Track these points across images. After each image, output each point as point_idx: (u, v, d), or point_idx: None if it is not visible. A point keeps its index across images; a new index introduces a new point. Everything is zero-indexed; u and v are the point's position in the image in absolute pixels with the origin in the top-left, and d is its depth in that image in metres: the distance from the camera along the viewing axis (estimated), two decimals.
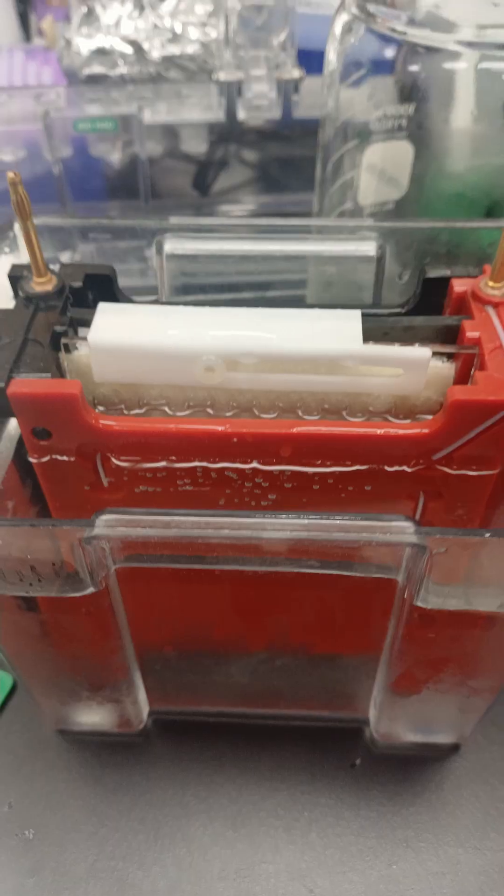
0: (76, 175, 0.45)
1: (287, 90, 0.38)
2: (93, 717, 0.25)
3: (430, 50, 0.25)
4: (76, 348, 0.21)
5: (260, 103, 0.37)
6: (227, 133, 0.42)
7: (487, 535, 0.16)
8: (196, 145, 0.43)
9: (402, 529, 0.16)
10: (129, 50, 0.41)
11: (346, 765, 0.26)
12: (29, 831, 0.24)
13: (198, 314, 0.21)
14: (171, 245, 0.24)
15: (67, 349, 0.21)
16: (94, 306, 0.22)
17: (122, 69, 0.41)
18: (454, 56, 0.25)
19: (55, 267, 0.23)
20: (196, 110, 0.39)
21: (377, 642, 0.21)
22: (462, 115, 0.30)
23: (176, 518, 0.16)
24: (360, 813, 0.25)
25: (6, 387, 0.19)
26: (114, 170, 0.45)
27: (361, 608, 0.21)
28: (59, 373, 0.21)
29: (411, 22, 0.26)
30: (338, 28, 0.29)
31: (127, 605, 0.20)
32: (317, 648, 0.24)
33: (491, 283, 0.21)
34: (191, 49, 0.41)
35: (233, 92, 0.38)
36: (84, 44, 0.40)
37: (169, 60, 0.41)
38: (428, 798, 0.25)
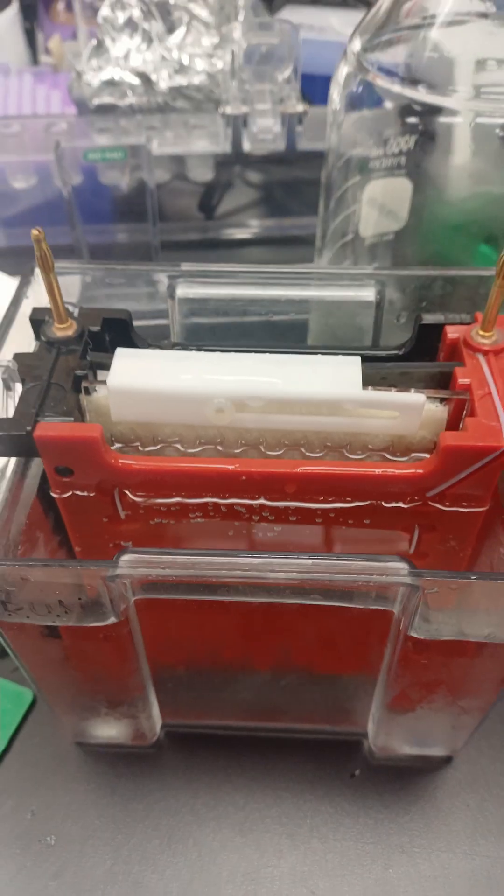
0: (85, 199, 0.46)
1: (291, 123, 0.40)
2: (109, 730, 0.26)
3: (425, 105, 0.27)
4: (95, 390, 0.23)
5: (265, 137, 0.39)
6: (232, 162, 0.43)
7: (473, 577, 0.17)
8: (202, 173, 0.44)
9: (396, 570, 0.18)
10: (137, 81, 0.42)
11: (346, 775, 0.27)
12: (51, 837, 0.26)
13: (208, 359, 0.23)
14: (183, 290, 0.26)
15: (87, 391, 0.23)
16: (111, 348, 0.23)
17: (131, 99, 0.43)
18: (450, 112, 0.27)
19: (72, 307, 0.25)
20: (202, 141, 0.41)
21: (375, 664, 0.23)
22: (458, 156, 0.31)
23: (191, 559, 0.18)
24: (359, 820, 0.26)
25: (32, 430, 0.21)
26: (122, 194, 0.47)
27: (360, 634, 0.23)
28: (80, 414, 0.23)
29: (408, 76, 0.27)
30: (341, 75, 0.31)
31: (144, 630, 0.22)
32: (319, 669, 0.26)
33: (481, 332, 0.22)
34: (197, 80, 0.43)
35: (238, 124, 0.39)
36: (94, 75, 0.42)
37: (176, 91, 0.43)
38: (422, 807, 0.27)
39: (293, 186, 0.50)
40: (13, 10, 0.65)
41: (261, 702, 0.27)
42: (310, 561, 0.18)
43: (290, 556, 0.18)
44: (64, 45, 0.65)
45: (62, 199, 0.45)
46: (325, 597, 0.19)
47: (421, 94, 0.27)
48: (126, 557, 0.18)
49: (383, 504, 0.22)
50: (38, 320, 0.24)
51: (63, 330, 0.23)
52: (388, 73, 0.28)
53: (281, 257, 0.50)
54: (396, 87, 0.27)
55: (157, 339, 0.26)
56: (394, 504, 0.22)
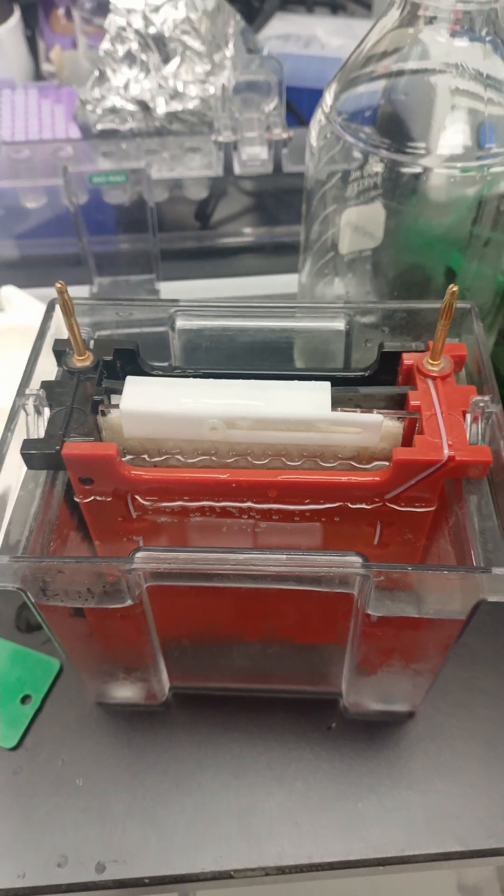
0: (91, 215, 0.50)
1: (277, 147, 0.43)
2: (125, 692, 0.32)
3: (394, 162, 0.31)
4: (109, 412, 0.27)
5: (253, 163, 0.43)
6: (224, 184, 0.47)
7: (409, 568, 0.22)
8: (197, 192, 0.48)
9: (352, 563, 0.22)
10: (136, 108, 0.46)
11: (324, 728, 0.32)
12: (79, 780, 0.31)
13: (204, 386, 0.27)
14: (181, 322, 0.30)
15: (103, 413, 0.27)
16: (122, 374, 0.28)
17: (131, 124, 0.46)
18: (409, 165, 0.31)
19: (86, 332, 0.29)
20: (197, 164, 0.45)
21: (343, 636, 0.28)
22: (427, 195, 0.35)
23: (191, 555, 0.23)
24: (335, 765, 0.31)
25: (60, 449, 0.25)
26: (124, 207, 0.51)
27: (330, 612, 0.27)
28: (98, 432, 0.27)
29: (371, 132, 0.31)
30: (317, 117, 0.35)
31: (154, 610, 0.27)
32: (298, 640, 0.31)
33: (430, 361, 0.27)
34: (191, 105, 0.46)
35: (230, 150, 0.43)
36: (97, 104, 0.45)
37: (172, 115, 0.46)
38: (387, 754, 0.32)
39: (282, 197, 0.54)
40: (15, 19, 0.68)
41: (252, 667, 0.32)
42: (284, 556, 0.22)
43: (270, 553, 0.23)
44: (64, 55, 0.68)
45: (70, 214, 0.48)
46: (298, 583, 0.24)
47: (383, 153, 0.31)
48: (140, 555, 0.23)
49: (350, 505, 0.27)
50: (60, 351, 0.28)
51: (82, 361, 0.27)
52: (355, 125, 0.32)
53: (272, 264, 0.54)
54: (360, 144, 0.31)
55: (158, 346, 0.30)
56: (359, 505, 0.27)
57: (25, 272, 0.52)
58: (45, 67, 0.70)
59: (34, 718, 0.32)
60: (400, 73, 0.32)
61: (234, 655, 0.31)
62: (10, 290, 0.44)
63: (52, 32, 0.71)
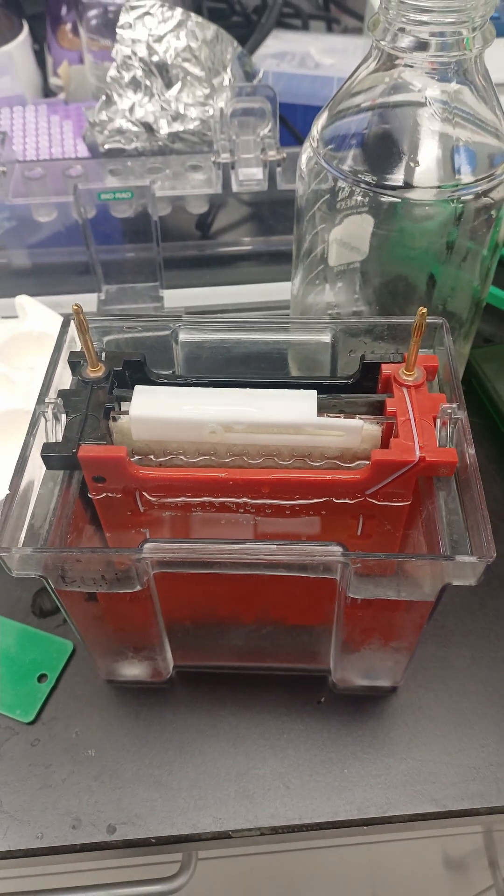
0: (98, 227, 0.53)
1: (272, 167, 0.46)
2: (133, 670, 0.35)
3: (377, 191, 0.34)
4: (119, 418, 0.30)
5: (249, 182, 0.46)
6: (223, 199, 0.50)
7: (382, 556, 0.25)
8: (198, 206, 0.51)
9: (334, 552, 0.25)
10: (141, 129, 0.49)
11: (314, 702, 0.36)
12: (91, 751, 0.34)
13: (204, 394, 0.30)
14: (184, 335, 0.33)
15: (114, 419, 0.30)
16: (131, 383, 0.31)
17: (136, 144, 0.49)
18: (392, 195, 0.34)
19: (98, 344, 0.32)
20: (198, 180, 0.48)
21: (329, 617, 0.31)
22: (407, 219, 0.38)
23: (193, 546, 0.26)
24: (323, 735, 0.35)
25: (77, 452, 0.28)
26: (129, 221, 0.54)
27: (316, 596, 0.31)
28: (109, 435, 0.30)
29: (353, 164, 0.34)
30: (307, 147, 0.38)
31: (160, 595, 0.30)
32: (289, 621, 0.34)
33: (405, 372, 0.30)
34: (192, 125, 0.49)
35: (227, 170, 0.46)
36: (104, 125, 0.48)
37: (174, 135, 0.50)
38: (371, 725, 0.35)
39: (277, 208, 0.57)
40: (24, 35, 0.71)
41: (248, 646, 0.35)
42: (275, 546, 0.26)
43: (262, 543, 0.26)
44: (71, 70, 0.71)
45: (78, 227, 0.51)
46: (288, 570, 0.27)
47: (364, 188, 0.34)
48: (148, 546, 0.26)
49: (335, 500, 0.30)
50: (75, 362, 0.32)
51: (95, 372, 0.31)
52: (340, 154, 0.35)
53: (268, 272, 0.57)
54: (341, 177, 0.35)
55: (162, 350, 0.33)
56: (343, 500, 0.30)
57: (37, 280, 0.55)
58: (53, 81, 0.73)
59: (50, 695, 0.36)
60: (382, 106, 0.35)
61: (232, 636, 0.35)
62: (24, 299, 0.47)
63: (60, 48, 0.74)
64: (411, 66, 0.32)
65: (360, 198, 0.35)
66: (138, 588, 0.28)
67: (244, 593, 0.32)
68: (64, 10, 0.74)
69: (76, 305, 0.29)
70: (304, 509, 0.31)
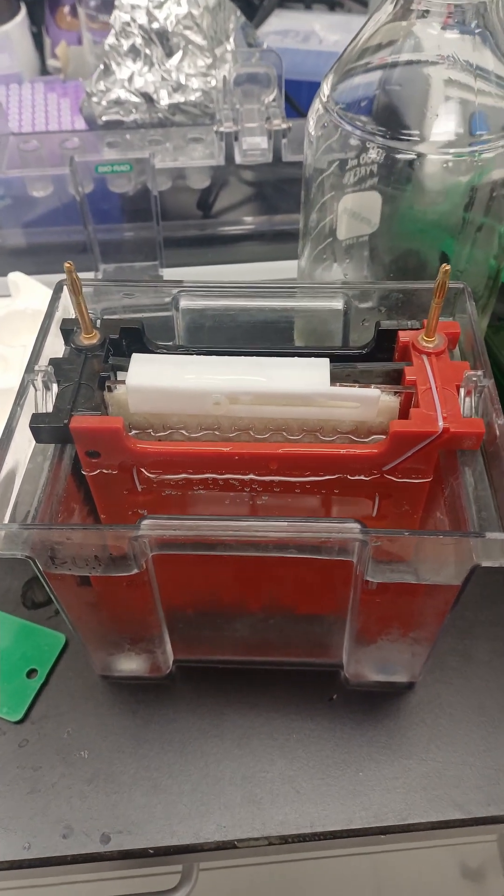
0: (96, 204, 0.51)
1: (277, 137, 0.44)
2: (131, 664, 0.32)
3: (390, 148, 0.32)
4: (116, 388, 0.28)
5: (254, 152, 0.43)
6: (225, 173, 0.48)
7: (406, 533, 0.23)
8: (200, 181, 0.49)
9: (350, 529, 0.23)
10: (140, 99, 0.47)
11: (326, 699, 0.33)
12: (84, 752, 0.32)
13: (207, 363, 0.28)
14: (185, 302, 0.31)
15: (110, 389, 0.28)
16: (128, 353, 0.28)
17: (136, 116, 0.47)
18: (405, 151, 0.32)
19: (94, 315, 0.30)
20: (199, 154, 0.46)
21: (343, 605, 0.29)
22: (422, 180, 0.36)
23: (195, 522, 0.24)
24: (336, 734, 0.32)
25: (69, 423, 0.26)
26: (128, 196, 0.51)
27: (329, 581, 0.28)
28: (104, 407, 0.28)
29: (367, 120, 0.32)
30: (315, 106, 0.35)
31: (159, 579, 0.28)
32: (300, 610, 0.31)
33: (425, 338, 0.27)
34: (193, 97, 0.47)
35: (231, 140, 0.44)
36: (102, 96, 0.46)
37: (175, 107, 0.47)
38: (388, 724, 0.32)
39: (281, 186, 0.55)
40: (21, 16, 0.69)
41: (254, 638, 0.33)
42: (285, 523, 0.23)
43: (271, 520, 0.23)
44: (70, 50, 0.69)
45: (76, 203, 0.49)
46: (299, 551, 0.25)
47: (379, 141, 0.32)
48: (146, 522, 0.23)
49: (349, 477, 0.28)
50: (68, 330, 0.29)
51: (89, 339, 0.28)
52: (354, 109, 0.33)
53: (272, 251, 0.54)
54: (357, 132, 0.32)
55: (163, 328, 0.31)
56: (358, 477, 0.28)
57: (32, 259, 0.53)
58: (51, 63, 0.71)
59: (40, 692, 0.33)
60: (394, 64, 0.32)
61: (238, 626, 0.32)
62: (17, 276, 0.44)
63: (58, 29, 0.72)
64: (427, 12, 0.30)
65: (373, 156, 0.32)
66: (135, 571, 0.25)
67: (251, 578, 0.29)
68: None
69: (68, 263, 0.27)
70: (314, 488, 0.28)
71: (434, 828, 0.30)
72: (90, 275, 0.52)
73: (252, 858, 0.46)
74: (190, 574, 0.29)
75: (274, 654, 0.34)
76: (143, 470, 0.28)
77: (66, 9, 0.73)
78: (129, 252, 0.53)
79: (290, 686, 0.33)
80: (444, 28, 0.30)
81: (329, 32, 0.60)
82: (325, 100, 0.34)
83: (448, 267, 0.26)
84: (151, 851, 0.29)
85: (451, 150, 0.32)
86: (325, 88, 0.34)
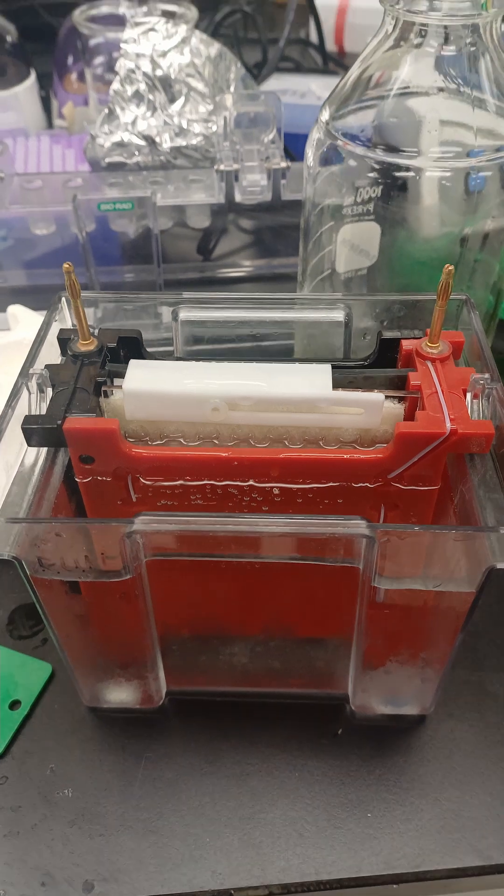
0: (98, 244, 0.51)
1: (276, 176, 0.45)
2: (121, 694, 0.30)
3: (385, 164, 0.32)
4: (112, 394, 0.27)
5: (253, 189, 0.44)
6: (226, 211, 0.49)
7: (416, 528, 0.22)
8: (200, 221, 0.50)
9: (357, 525, 0.22)
10: (143, 143, 0.48)
11: (331, 734, 0.31)
12: (68, 790, 0.29)
13: (207, 368, 0.27)
14: (185, 314, 0.31)
15: (106, 395, 0.27)
16: (126, 361, 0.28)
17: (138, 158, 0.49)
18: (413, 170, 0.32)
19: (92, 328, 0.30)
20: (200, 193, 0.47)
21: (349, 625, 0.27)
22: (420, 205, 0.36)
23: (192, 517, 0.22)
24: (342, 772, 0.30)
25: (62, 424, 0.25)
26: (129, 239, 0.52)
27: (334, 596, 0.27)
28: (100, 413, 0.27)
29: (368, 141, 0.33)
30: (314, 138, 0.36)
31: (153, 593, 0.26)
32: (302, 631, 0.29)
33: (429, 344, 0.27)
34: (195, 141, 0.49)
35: (231, 179, 0.45)
36: (106, 138, 0.48)
37: (177, 150, 0.49)
38: (398, 761, 0.30)
39: (279, 231, 0.56)
40: (31, 80, 0.72)
41: (254, 666, 0.30)
42: (287, 519, 0.22)
43: (272, 517, 0.22)
44: (76, 110, 0.72)
45: (78, 243, 0.50)
46: (302, 555, 0.24)
47: (380, 156, 0.32)
48: (141, 517, 0.22)
49: (353, 485, 0.26)
50: (65, 339, 0.29)
51: (86, 345, 0.28)
52: (352, 138, 0.33)
53: (271, 291, 0.55)
54: (359, 150, 0.33)
55: (163, 357, 0.31)
56: (362, 485, 0.26)
57: (34, 298, 0.53)
58: (58, 123, 0.74)
59: (23, 725, 0.31)
60: (391, 92, 0.33)
61: (236, 651, 0.30)
62: (17, 309, 0.45)
63: (65, 92, 0.75)
64: (423, 39, 0.31)
65: (373, 175, 0.33)
66: (128, 576, 0.24)
67: (250, 594, 0.28)
68: (70, 60, 0.76)
69: (67, 264, 0.26)
70: (316, 497, 0.27)
71: (451, 876, 0.27)
72: (90, 311, 0.52)
73: None
74: (185, 589, 0.27)
75: (274, 686, 0.32)
76: (138, 477, 0.27)
77: (74, 76, 0.76)
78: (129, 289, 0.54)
79: (292, 721, 0.31)
80: (438, 60, 0.31)
81: (324, 90, 0.62)
82: (325, 120, 0.35)
83: (451, 267, 0.25)
84: None
85: (449, 165, 0.32)
86: (325, 115, 0.35)
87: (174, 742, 0.30)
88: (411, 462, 0.25)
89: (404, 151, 0.32)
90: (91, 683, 0.30)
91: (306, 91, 0.63)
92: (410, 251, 0.40)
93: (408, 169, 0.32)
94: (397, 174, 0.33)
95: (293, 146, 0.61)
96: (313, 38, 0.81)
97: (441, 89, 0.33)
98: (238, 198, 0.45)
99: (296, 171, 0.46)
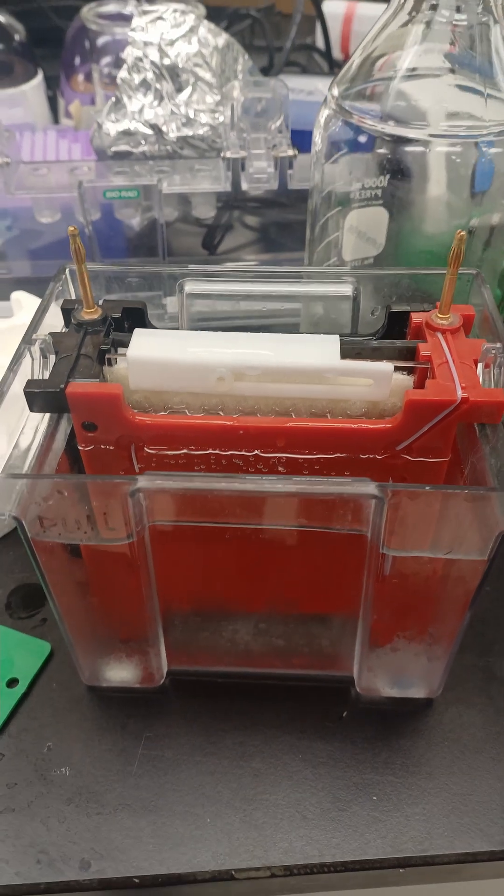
0: (103, 235, 0.51)
1: (283, 165, 0.45)
2: (122, 672, 0.29)
3: (399, 138, 0.32)
4: (116, 363, 0.27)
5: (260, 177, 0.44)
6: (232, 201, 0.49)
7: (428, 488, 0.21)
8: (206, 211, 0.50)
9: (365, 485, 0.21)
10: (150, 132, 0.48)
11: (335, 717, 0.30)
12: (66, 768, 0.28)
13: (212, 337, 0.27)
14: (190, 286, 0.30)
15: (110, 363, 0.27)
16: (129, 332, 0.28)
17: (144, 147, 0.49)
18: (422, 143, 0.32)
19: (99, 301, 0.29)
20: (206, 182, 0.46)
21: (355, 601, 0.26)
22: (429, 186, 0.36)
23: (196, 475, 0.22)
24: (347, 755, 0.29)
25: (65, 388, 0.25)
26: (135, 232, 0.52)
27: (340, 570, 0.26)
28: (104, 380, 0.27)
29: (382, 114, 0.33)
30: (322, 117, 0.36)
31: (155, 564, 0.26)
32: (307, 607, 0.29)
33: (439, 315, 0.27)
34: (202, 131, 0.49)
35: (237, 167, 0.45)
36: (112, 127, 0.48)
37: (183, 140, 0.49)
38: (404, 744, 0.29)
39: (285, 226, 0.56)
40: (38, 79, 0.73)
41: (256, 645, 0.30)
42: (292, 479, 0.22)
43: (277, 479, 0.22)
44: (83, 109, 0.72)
45: (83, 234, 0.50)
46: (308, 519, 0.23)
47: (392, 128, 0.32)
48: (146, 475, 0.22)
49: (360, 456, 0.26)
50: (68, 308, 0.28)
51: (90, 314, 0.27)
52: (362, 113, 0.33)
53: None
54: (370, 123, 0.33)
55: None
56: (369, 456, 0.26)
57: (38, 288, 0.53)
58: (64, 122, 0.74)
59: (20, 703, 0.30)
60: (402, 67, 0.33)
61: (239, 628, 0.29)
62: (20, 294, 0.44)
63: (72, 91, 0.76)
64: (434, 11, 0.31)
65: (382, 150, 0.33)
66: (129, 540, 0.23)
67: (254, 567, 0.27)
68: (78, 61, 0.76)
69: (72, 227, 0.26)
70: (323, 468, 0.26)
71: (459, 861, 0.26)
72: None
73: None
74: (188, 560, 0.27)
75: (278, 666, 0.31)
76: (142, 446, 0.26)
77: (81, 76, 0.77)
78: (135, 288, 0.53)
79: (296, 703, 0.30)
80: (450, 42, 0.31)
81: None
82: (335, 95, 0.35)
83: (463, 233, 0.25)
84: (137, 881, 0.26)
85: (459, 139, 0.32)
86: (335, 91, 0.35)
87: (175, 722, 0.30)
88: (421, 432, 0.25)
89: (414, 125, 0.32)
90: (91, 659, 0.29)
91: (313, 90, 0.63)
92: (418, 240, 0.40)
93: (417, 142, 0.32)
94: (407, 149, 0.32)
95: (300, 143, 0.61)
96: (319, 44, 0.82)
97: (451, 68, 0.33)
98: (244, 186, 0.45)
99: (302, 163, 0.46)
